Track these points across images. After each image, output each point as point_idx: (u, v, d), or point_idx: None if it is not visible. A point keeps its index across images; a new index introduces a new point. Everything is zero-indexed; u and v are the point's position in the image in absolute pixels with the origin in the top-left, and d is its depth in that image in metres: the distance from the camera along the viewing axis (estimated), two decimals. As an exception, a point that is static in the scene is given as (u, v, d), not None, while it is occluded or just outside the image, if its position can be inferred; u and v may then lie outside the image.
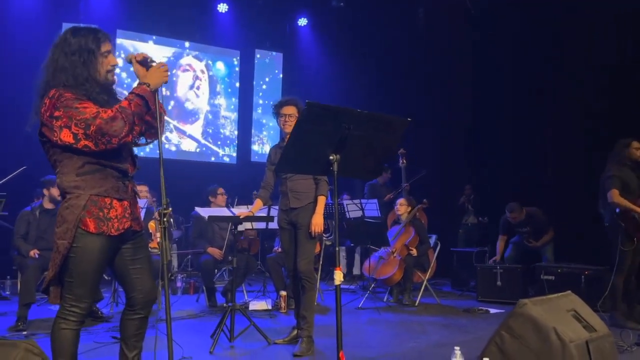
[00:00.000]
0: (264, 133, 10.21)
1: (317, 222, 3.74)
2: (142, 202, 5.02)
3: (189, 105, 9.45)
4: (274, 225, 4.18)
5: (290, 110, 3.77)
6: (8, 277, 6.18)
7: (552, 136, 7.80)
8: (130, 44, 8.78)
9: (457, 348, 2.83)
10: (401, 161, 7.49)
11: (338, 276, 2.31)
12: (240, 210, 4.71)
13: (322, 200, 3.80)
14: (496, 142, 8.24)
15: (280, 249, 5.35)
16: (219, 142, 9.72)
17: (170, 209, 2.29)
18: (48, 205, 4.93)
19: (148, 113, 2.31)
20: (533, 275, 5.86)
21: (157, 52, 9.08)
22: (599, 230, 4.92)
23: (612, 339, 2.91)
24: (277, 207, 4.03)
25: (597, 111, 6.93)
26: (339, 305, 2.28)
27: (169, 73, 2.37)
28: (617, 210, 4.57)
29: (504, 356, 2.68)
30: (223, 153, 9.76)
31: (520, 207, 6.31)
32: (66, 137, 2.15)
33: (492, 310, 5.42)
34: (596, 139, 6.52)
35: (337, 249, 2.36)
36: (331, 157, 2.40)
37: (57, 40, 2.32)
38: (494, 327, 2.86)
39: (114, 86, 2.42)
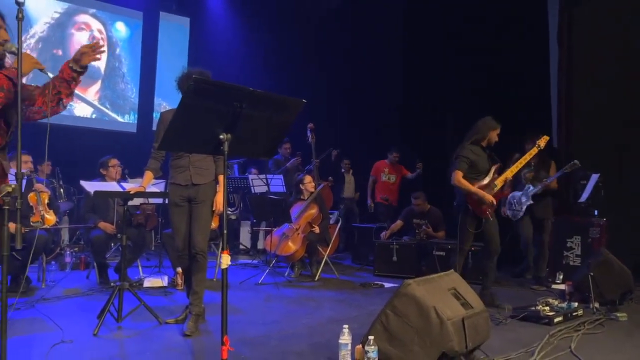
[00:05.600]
0: (167, 100, 9.76)
1: (222, 200, 3.64)
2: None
3: (84, 67, 8.76)
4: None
5: None
6: None
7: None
8: (16, -5, 7.91)
9: (345, 327, 2.91)
10: (310, 136, 7.41)
11: (225, 260, 2.25)
12: (135, 184, 4.46)
13: (223, 179, 3.70)
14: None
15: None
16: (117, 108, 9.15)
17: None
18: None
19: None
20: (426, 250, 6.18)
21: (48, 7, 8.28)
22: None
23: (486, 314, 3.12)
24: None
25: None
26: (224, 292, 2.22)
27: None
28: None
29: (389, 334, 2.78)
30: (122, 120, 9.21)
31: (425, 198, 6.70)
32: None
33: (387, 285, 5.65)
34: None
35: (224, 231, 2.29)
36: (222, 137, 2.31)
37: None
38: (386, 302, 2.95)
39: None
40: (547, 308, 4.10)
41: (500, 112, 4.82)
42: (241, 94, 2.27)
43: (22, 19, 2.13)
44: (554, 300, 4.26)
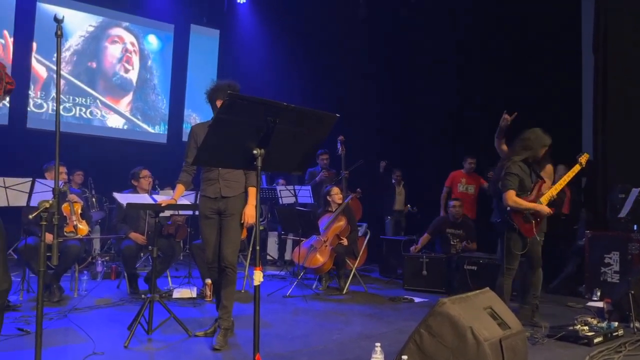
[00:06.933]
0: (197, 112, 9.89)
1: (251, 213, 3.64)
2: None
3: (117, 80, 8.95)
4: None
5: None
6: None
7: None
8: (54, 9, 8.14)
9: (377, 345, 2.85)
10: (340, 149, 7.37)
11: (257, 277, 2.22)
12: (167, 196, 4.50)
13: (253, 192, 3.69)
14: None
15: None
16: (148, 119, 9.30)
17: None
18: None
19: None
20: (457, 265, 6.04)
21: (83, 21, 8.50)
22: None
23: (524, 335, 3.02)
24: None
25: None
26: (257, 308, 2.19)
27: None
28: (509, 209, 4.22)
29: (422, 354, 2.70)
30: (153, 131, 9.35)
31: (462, 204, 6.51)
32: None
33: (417, 299, 5.54)
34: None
35: (257, 247, 2.26)
36: (255, 151, 2.29)
37: None
38: (417, 318, 2.90)
39: None
40: (586, 328, 3.95)
41: (530, 123, 4.59)
42: (275, 109, 2.25)
43: (61, 35, 2.16)
44: (592, 319, 4.10)
